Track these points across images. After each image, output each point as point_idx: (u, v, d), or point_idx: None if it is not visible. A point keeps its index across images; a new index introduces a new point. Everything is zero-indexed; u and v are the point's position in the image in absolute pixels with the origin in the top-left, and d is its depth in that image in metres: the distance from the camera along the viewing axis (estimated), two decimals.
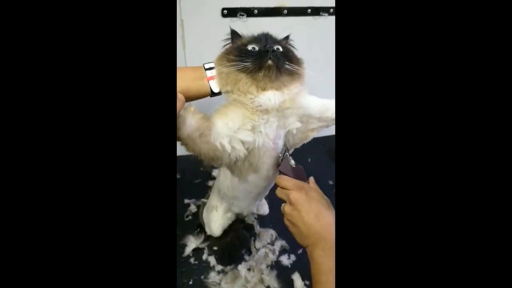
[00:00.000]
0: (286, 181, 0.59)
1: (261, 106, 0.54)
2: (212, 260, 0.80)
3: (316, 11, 1.01)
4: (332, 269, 0.51)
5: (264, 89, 0.54)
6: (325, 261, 0.52)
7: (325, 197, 0.60)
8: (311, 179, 0.63)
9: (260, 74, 0.53)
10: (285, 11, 0.98)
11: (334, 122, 0.64)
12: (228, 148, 0.54)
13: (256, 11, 0.96)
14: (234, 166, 0.61)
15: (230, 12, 0.94)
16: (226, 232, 0.80)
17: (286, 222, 0.59)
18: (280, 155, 0.62)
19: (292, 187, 0.58)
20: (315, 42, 1.05)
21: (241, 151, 0.56)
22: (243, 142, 0.56)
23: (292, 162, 0.61)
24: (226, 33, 0.63)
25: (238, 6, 0.95)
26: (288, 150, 0.62)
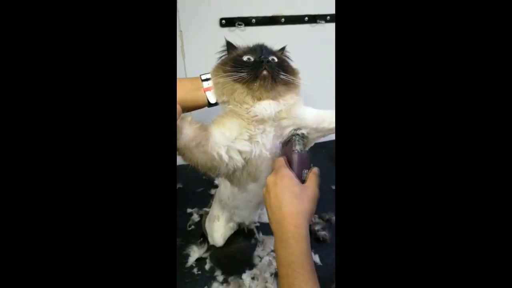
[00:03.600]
0: (274, 162, 0.57)
1: (257, 115, 0.55)
2: (215, 270, 0.80)
3: (313, 19, 1.02)
4: (291, 262, 0.48)
5: (260, 99, 0.55)
6: (282, 253, 0.49)
7: (310, 184, 0.56)
8: (315, 169, 0.59)
9: (255, 84, 0.54)
10: (283, 20, 0.99)
11: (330, 132, 0.64)
12: (225, 158, 0.54)
13: (254, 20, 0.97)
14: (232, 176, 0.61)
15: (228, 22, 0.95)
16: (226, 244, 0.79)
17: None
18: (285, 138, 0.59)
19: (273, 170, 0.56)
20: (313, 49, 1.06)
21: (238, 161, 0.56)
22: (240, 152, 0.56)
23: (298, 147, 0.57)
24: (222, 45, 0.64)
25: (236, 16, 0.96)
26: (298, 135, 0.58)
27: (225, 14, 0.94)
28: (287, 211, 0.51)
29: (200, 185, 1.06)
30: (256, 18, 0.97)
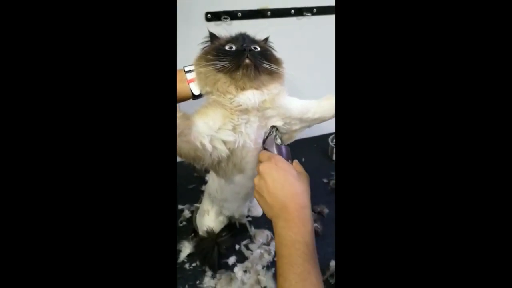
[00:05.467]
0: (262, 154, 0.57)
1: (240, 105, 0.54)
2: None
3: (300, 12, 1.02)
4: (294, 241, 0.47)
5: (243, 89, 0.54)
6: (287, 233, 0.49)
7: (301, 170, 0.57)
8: (295, 161, 0.60)
9: (238, 73, 0.53)
10: (269, 13, 0.99)
11: (315, 122, 0.64)
12: (209, 147, 0.53)
13: (240, 14, 0.96)
14: (218, 167, 0.61)
15: (214, 16, 0.95)
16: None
17: (255, 195, 0.56)
18: (266, 133, 0.61)
19: (264, 159, 0.56)
20: (300, 42, 1.06)
21: (223, 151, 0.56)
22: (225, 142, 0.55)
23: (279, 141, 0.59)
24: (205, 36, 0.63)
25: (222, 10, 0.95)
26: (277, 130, 0.60)
27: (211, 8, 0.94)
28: (291, 191, 0.51)
29: (192, 181, 1.06)
30: (242, 11, 0.97)
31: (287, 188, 0.51)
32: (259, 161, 0.57)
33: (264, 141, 0.60)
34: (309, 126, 0.65)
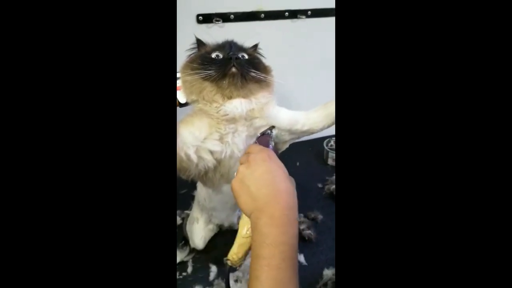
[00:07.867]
0: (253, 146, 0.52)
1: (227, 114, 0.53)
2: (197, 273, 0.78)
3: (294, 14, 1.00)
4: (279, 242, 0.42)
5: (230, 98, 0.53)
6: (272, 232, 0.43)
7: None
8: None
9: (224, 82, 0.52)
10: (262, 15, 0.97)
11: (304, 134, 0.63)
12: (194, 158, 0.52)
13: (232, 16, 0.94)
14: (205, 178, 0.59)
15: (205, 18, 0.93)
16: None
17: (234, 183, 0.49)
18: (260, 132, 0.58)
19: (255, 150, 0.51)
20: (294, 46, 1.04)
21: (210, 161, 0.54)
22: (211, 152, 0.54)
23: (272, 143, 0.55)
24: (192, 43, 0.62)
25: (214, 12, 0.93)
26: (272, 132, 0.58)
27: (202, 10, 0.92)
28: (282, 187, 0.46)
29: (183, 186, 1.03)
30: (235, 14, 0.95)
31: (279, 183, 0.46)
32: (248, 153, 0.52)
33: (258, 137, 0.57)
34: (298, 138, 0.64)
